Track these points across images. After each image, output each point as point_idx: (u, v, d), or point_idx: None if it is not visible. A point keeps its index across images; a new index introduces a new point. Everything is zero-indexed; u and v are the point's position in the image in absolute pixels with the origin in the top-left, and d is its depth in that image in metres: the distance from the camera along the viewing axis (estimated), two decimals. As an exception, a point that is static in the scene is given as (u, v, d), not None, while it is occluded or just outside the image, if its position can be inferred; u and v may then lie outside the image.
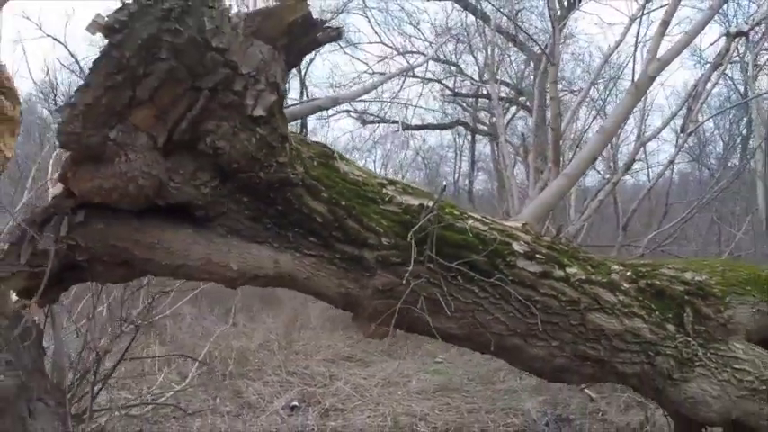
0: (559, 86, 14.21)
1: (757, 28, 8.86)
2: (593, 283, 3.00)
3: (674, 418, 3.65)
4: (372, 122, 16.85)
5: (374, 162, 22.14)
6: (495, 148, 16.62)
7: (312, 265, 2.61)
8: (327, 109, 9.47)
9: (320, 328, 9.41)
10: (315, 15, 2.35)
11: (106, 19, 1.92)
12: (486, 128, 18.35)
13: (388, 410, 5.90)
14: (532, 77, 14.01)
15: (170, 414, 5.52)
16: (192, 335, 7.82)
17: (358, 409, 6.05)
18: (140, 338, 5.17)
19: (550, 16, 10.06)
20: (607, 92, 13.55)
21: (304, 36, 2.40)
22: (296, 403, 6.19)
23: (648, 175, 16.57)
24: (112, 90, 1.99)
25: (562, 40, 14.33)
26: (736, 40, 7.51)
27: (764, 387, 3.10)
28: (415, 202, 2.71)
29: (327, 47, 17.45)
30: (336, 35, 2.49)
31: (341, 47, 18.47)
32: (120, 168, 2.09)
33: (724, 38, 7.28)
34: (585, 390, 5.97)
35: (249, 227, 2.51)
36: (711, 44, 8.83)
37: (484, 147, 21.51)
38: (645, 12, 7.68)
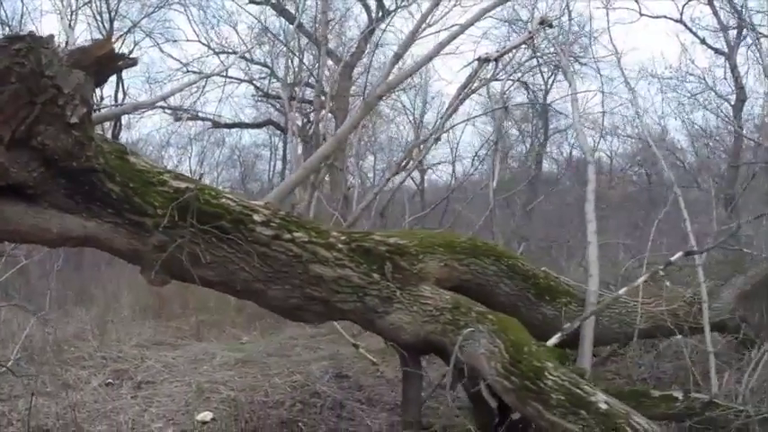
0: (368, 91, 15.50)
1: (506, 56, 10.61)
2: (314, 243, 3.87)
3: (396, 348, 4.42)
4: (182, 120, 16.89)
5: (190, 159, 21.77)
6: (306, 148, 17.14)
7: (110, 228, 3.45)
8: (131, 113, 10.43)
9: (131, 318, 9.71)
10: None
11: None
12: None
13: (193, 380, 6.48)
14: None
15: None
16: (6, 328, 7.71)
17: (167, 381, 6.59)
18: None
19: (318, 49, 11.07)
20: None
21: (108, 65, 3.22)
22: (111, 380, 6.57)
23: (453, 172, 18.38)
24: None
25: (372, 48, 15.73)
26: (486, 64, 8.98)
27: (439, 314, 4.03)
28: (183, 185, 3.61)
29: (145, 42, 18.21)
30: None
31: (157, 43, 18.64)
32: (-22, 159, 2.88)
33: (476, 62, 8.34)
34: (369, 356, 6.78)
35: (65, 202, 3.29)
36: (465, 66, 10.29)
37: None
38: (423, 35, 8.85)
